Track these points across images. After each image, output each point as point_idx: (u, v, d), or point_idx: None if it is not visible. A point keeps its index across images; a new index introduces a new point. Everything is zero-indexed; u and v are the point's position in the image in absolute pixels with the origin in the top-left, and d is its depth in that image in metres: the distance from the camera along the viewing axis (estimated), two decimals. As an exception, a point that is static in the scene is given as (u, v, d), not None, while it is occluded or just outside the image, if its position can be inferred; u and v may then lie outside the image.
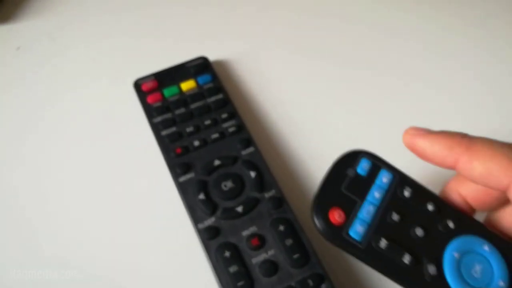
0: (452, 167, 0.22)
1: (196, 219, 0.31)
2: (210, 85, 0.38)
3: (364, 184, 0.23)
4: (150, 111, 0.37)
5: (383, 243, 0.22)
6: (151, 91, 0.39)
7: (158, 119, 0.37)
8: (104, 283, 0.31)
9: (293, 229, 0.31)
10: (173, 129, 0.36)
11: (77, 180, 0.36)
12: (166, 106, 0.37)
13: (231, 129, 0.35)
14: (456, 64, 0.42)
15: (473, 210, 0.24)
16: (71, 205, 0.34)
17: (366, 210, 0.23)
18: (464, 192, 0.24)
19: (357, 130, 0.38)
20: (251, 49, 0.44)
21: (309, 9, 0.48)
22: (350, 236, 0.22)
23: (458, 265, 0.21)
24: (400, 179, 0.24)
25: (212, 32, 0.46)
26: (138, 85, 0.39)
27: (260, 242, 0.30)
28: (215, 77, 0.39)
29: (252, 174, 0.33)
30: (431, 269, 0.21)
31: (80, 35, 0.46)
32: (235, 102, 0.38)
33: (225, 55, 0.43)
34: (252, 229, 0.31)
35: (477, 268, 0.21)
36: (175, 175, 0.33)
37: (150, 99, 0.38)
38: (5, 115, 0.40)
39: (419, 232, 0.22)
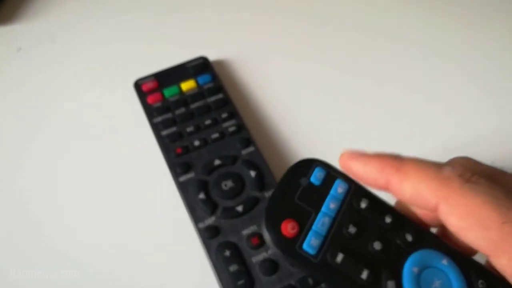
0: (384, 189, 0.22)
1: (196, 218, 0.31)
2: (210, 85, 0.38)
3: (319, 194, 0.22)
4: (150, 111, 0.37)
5: (339, 257, 0.20)
6: (151, 91, 0.39)
7: (158, 119, 0.37)
8: (104, 283, 0.31)
9: (293, 228, 0.31)
10: (173, 129, 0.36)
11: (78, 180, 0.36)
12: (166, 106, 0.37)
13: (231, 129, 0.35)
14: (455, 69, 0.42)
15: (427, 224, 0.24)
16: (72, 205, 0.35)
17: (321, 222, 0.21)
18: (412, 208, 0.23)
19: (356, 130, 0.38)
20: (251, 49, 0.44)
21: (309, 13, 0.48)
22: (303, 250, 0.21)
23: (417, 281, 0.20)
24: (356, 189, 0.23)
25: (213, 32, 0.46)
26: (138, 85, 0.39)
27: (260, 241, 0.30)
28: (215, 77, 0.39)
29: (252, 173, 0.33)
30: (391, 286, 0.20)
31: (81, 36, 0.46)
32: (235, 101, 0.38)
33: (225, 55, 0.43)
34: (252, 228, 0.31)
35: (436, 283, 0.20)
36: (176, 174, 0.34)
37: (150, 99, 0.38)
38: (6, 116, 0.40)
39: (377, 246, 0.21)
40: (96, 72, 0.43)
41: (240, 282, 0.29)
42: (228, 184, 0.33)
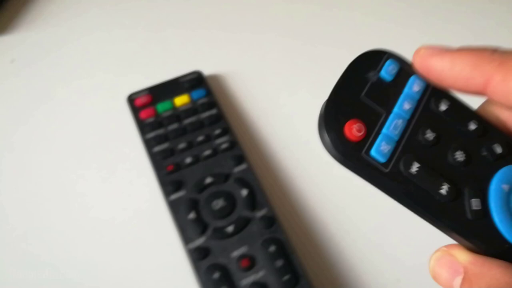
0: (480, 91, 0.18)
1: (186, 239, 0.31)
2: (204, 100, 0.38)
3: (390, 92, 0.19)
4: (143, 127, 0.37)
5: (414, 167, 0.17)
6: (144, 106, 0.38)
7: (150, 135, 0.36)
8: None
9: (284, 249, 0.30)
10: (166, 145, 0.35)
11: (66, 194, 0.35)
12: (159, 122, 0.37)
13: (224, 146, 0.35)
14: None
15: None
16: (58, 220, 0.34)
17: (393, 124, 0.18)
18: (503, 116, 0.19)
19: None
20: (246, 64, 0.44)
21: (303, 30, 0.47)
22: (371, 157, 0.17)
23: (507, 200, 0.17)
24: (434, 89, 0.19)
25: (208, 47, 0.45)
26: (131, 100, 0.39)
27: (250, 263, 0.30)
28: (209, 92, 0.39)
29: (244, 192, 0.33)
30: (475, 204, 0.17)
31: (74, 47, 0.46)
32: (229, 117, 0.37)
33: (220, 70, 0.43)
34: (243, 249, 0.30)
35: None
36: (166, 192, 0.33)
37: (143, 114, 0.38)
38: (-2, 128, 0.40)
39: (459, 156, 0.18)
40: (89, 86, 0.42)
41: (229, 306, 0.28)
42: (219, 203, 0.32)
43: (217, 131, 0.36)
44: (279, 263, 0.30)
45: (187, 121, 0.37)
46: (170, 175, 0.34)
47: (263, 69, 0.43)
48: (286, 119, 0.39)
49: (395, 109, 0.18)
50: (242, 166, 0.34)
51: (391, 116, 0.18)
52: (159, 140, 0.36)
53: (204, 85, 0.39)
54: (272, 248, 0.30)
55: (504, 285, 0.15)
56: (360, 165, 0.17)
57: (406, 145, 0.18)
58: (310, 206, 0.34)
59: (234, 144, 0.35)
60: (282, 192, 0.35)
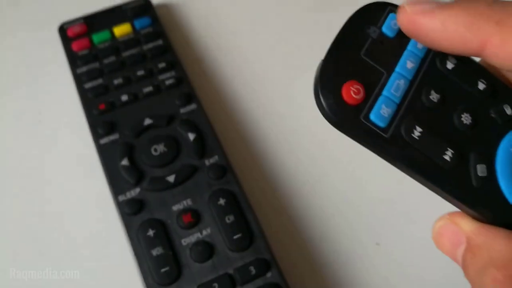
0: (477, 54, 0.16)
1: (116, 190, 0.26)
2: (149, 29, 0.32)
3: (393, 49, 0.17)
4: (74, 60, 0.31)
5: (417, 131, 0.16)
6: (77, 36, 0.32)
7: (82, 69, 0.30)
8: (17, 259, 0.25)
9: (236, 203, 0.25)
10: (99, 81, 0.30)
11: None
12: (93, 54, 0.31)
13: (169, 82, 0.29)
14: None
15: None
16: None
17: (395, 85, 0.16)
18: (505, 78, 0.18)
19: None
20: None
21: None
22: (370, 121, 0.16)
23: None
24: None
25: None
26: (63, 29, 0.33)
27: (194, 219, 0.25)
28: (155, 21, 0.33)
29: (191, 136, 0.27)
30: (481, 170, 0.16)
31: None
32: (178, 51, 0.32)
33: (173, -2, 0.36)
34: (185, 203, 0.25)
35: None
36: (96, 136, 0.27)
37: (75, 46, 0.32)
38: None
39: (465, 119, 0.16)
40: (17, 16, 0.36)
41: (163, 270, 0.23)
42: (159, 148, 0.27)
43: (162, 65, 0.30)
44: (230, 219, 0.25)
45: (126, 53, 0.31)
46: (102, 115, 0.28)
47: (222, 1, 0.37)
48: (246, 56, 0.33)
49: (397, 69, 0.17)
50: (191, 107, 0.29)
51: (392, 76, 0.17)
52: (92, 75, 0.30)
53: (150, 13, 0.33)
54: (221, 202, 0.25)
55: (507, 257, 0.14)
56: (358, 130, 0.16)
57: (408, 107, 0.16)
58: (271, 154, 0.29)
59: (181, 80, 0.30)
60: (238, 138, 0.30)
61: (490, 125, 0.17)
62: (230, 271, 0.23)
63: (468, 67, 0.17)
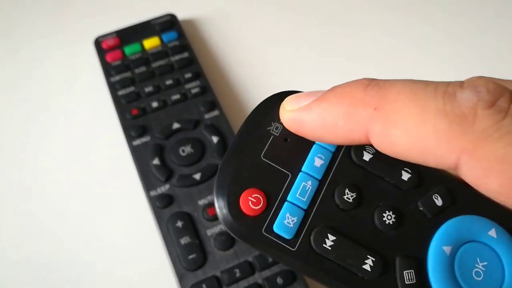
0: (365, 144, 0.14)
1: (148, 186, 0.28)
2: (175, 43, 0.35)
3: (298, 146, 0.15)
4: (108, 70, 0.34)
5: (329, 240, 0.14)
6: (111, 48, 0.35)
7: (115, 78, 0.33)
8: (48, 255, 0.28)
9: (255, 199, 0.28)
10: (131, 89, 0.33)
11: (29, 138, 0.33)
12: (125, 65, 0.34)
13: (195, 90, 0.32)
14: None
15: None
16: (19, 165, 0.31)
17: (301, 188, 0.14)
18: None
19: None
20: (224, 8, 0.40)
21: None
22: (274, 233, 0.14)
23: (450, 265, 0.14)
24: None
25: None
26: (98, 42, 0.36)
27: (218, 213, 0.27)
28: (181, 35, 0.36)
29: (215, 139, 0.30)
30: (408, 277, 0.14)
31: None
32: (202, 63, 0.35)
33: (197, 14, 0.40)
34: (210, 198, 0.28)
35: (480, 266, 0.14)
36: (129, 138, 0.30)
37: (109, 57, 0.35)
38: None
39: (388, 218, 0.14)
40: (55, 29, 0.39)
41: (191, 256, 0.26)
42: (186, 149, 0.30)
43: (188, 75, 0.33)
44: (249, 213, 0.27)
45: (155, 64, 0.34)
46: (134, 119, 0.31)
47: (245, 15, 0.40)
48: (264, 68, 0.36)
49: (304, 168, 0.15)
50: (214, 113, 0.31)
51: (298, 178, 0.15)
52: (125, 83, 0.33)
53: (176, 28, 0.36)
54: (242, 198, 0.28)
55: None
56: (261, 245, 0.14)
57: (318, 213, 0.14)
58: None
59: (205, 89, 0.32)
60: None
61: (417, 222, 0.14)
62: (250, 259, 0.26)
63: (389, 156, 0.14)
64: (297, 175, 0.15)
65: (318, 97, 0.14)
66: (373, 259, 0.14)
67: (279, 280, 0.25)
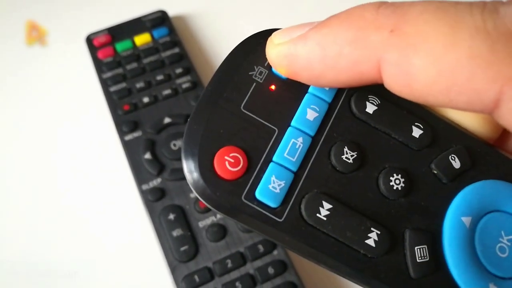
0: (374, 80, 0.11)
1: (140, 180, 0.29)
2: (166, 39, 0.35)
3: (287, 95, 0.12)
4: (100, 67, 0.34)
5: (324, 209, 0.11)
6: (102, 45, 0.35)
7: (107, 74, 0.34)
8: (41, 249, 0.28)
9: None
10: (123, 85, 0.33)
11: (19, 135, 0.33)
12: (117, 61, 0.34)
13: (186, 85, 0.33)
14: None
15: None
16: (11, 160, 0.32)
17: (291, 146, 0.12)
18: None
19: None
20: (214, 4, 0.41)
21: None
22: (257, 200, 0.11)
23: (470, 240, 0.11)
24: None
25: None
26: (90, 40, 0.36)
27: (209, 205, 0.28)
28: (172, 31, 0.36)
29: (206, 133, 0.30)
30: (420, 253, 0.11)
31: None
32: (193, 58, 0.35)
33: (187, 10, 0.40)
34: (201, 191, 0.28)
35: (505, 241, 0.11)
36: (121, 133, 0.31)
37: (101, 54, 0.35)
38: None
39: (396, 182, 0.11)
40: (49, 26, 0.40)
41: (183, 248, 0.26)
42: (178, 144, 0.30)
43: (179, 71, 0.33)
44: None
45: (146, 60, 0.34)
46: (126, 115, 0.31)
47: (235, 11, 0.40)
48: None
49: (293, 122, 0.12)
50: (205, 107, 0.32)
51: (287, 134, 0.12)
52: (116, 79, 0.33)
53: (167, 24, 0.37)
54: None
55: None
56: (241, 215, 0.11)
57: (311, 176, 0.11)
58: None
59: (196, 84, 0.33)
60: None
61: (431, 187, 0.12)
62: (241, 250, 0.26)
63: (397, 107, 0.12)
64: (285, 131, 0.12)
65: (316, 24, 0.11)
66: (378, 232, 0.11)
67: (270, 270, 0.26)
